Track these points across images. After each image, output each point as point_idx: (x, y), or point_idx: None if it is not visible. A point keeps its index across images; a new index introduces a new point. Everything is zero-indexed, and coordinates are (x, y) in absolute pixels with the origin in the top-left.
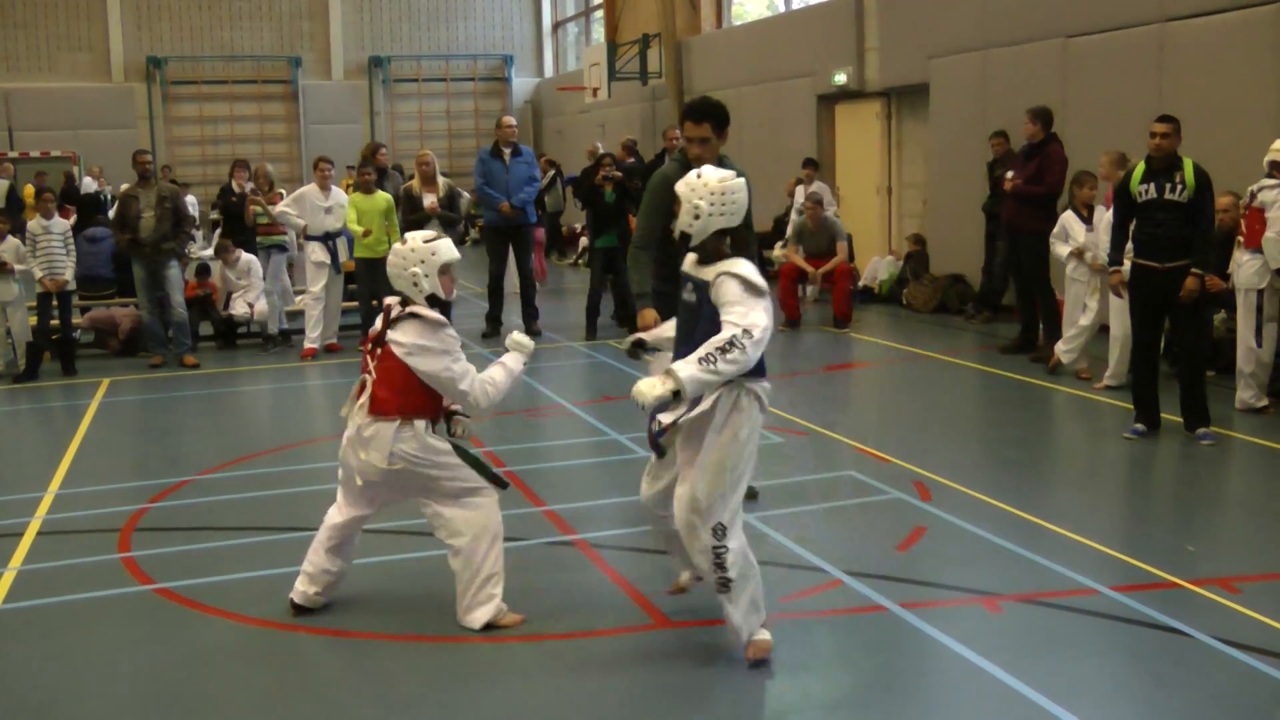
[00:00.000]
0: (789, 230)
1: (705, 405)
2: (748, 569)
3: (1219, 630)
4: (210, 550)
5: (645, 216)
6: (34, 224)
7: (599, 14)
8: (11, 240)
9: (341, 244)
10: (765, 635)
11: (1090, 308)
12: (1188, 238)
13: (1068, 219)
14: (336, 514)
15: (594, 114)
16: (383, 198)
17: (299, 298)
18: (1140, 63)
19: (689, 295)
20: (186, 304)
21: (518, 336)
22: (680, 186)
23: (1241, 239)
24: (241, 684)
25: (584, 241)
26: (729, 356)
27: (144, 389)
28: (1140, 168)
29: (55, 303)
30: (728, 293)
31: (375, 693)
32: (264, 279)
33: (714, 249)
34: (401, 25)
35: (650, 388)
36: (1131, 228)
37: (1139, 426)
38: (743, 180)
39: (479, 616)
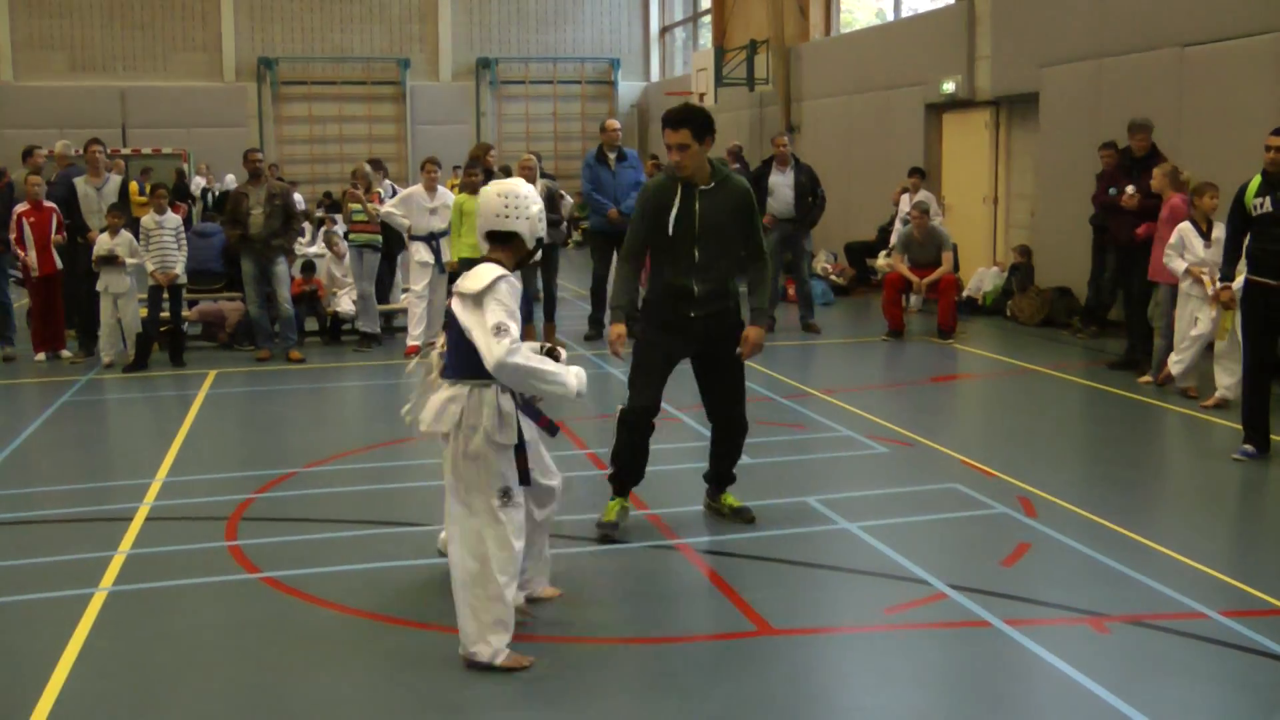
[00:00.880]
0: (894, 239)
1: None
2: None
3: None
4: (315, 541)
5: (631, 227)
6: (147, 219)
7: (707, 19)
8: (125, 234)
9: (445, 244)
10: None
11: (1201, 320)
12: None
13: (1185, 231)
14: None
15: None
16: None
17: (403, 295)
18: (1260, 73)
19: None
20: (293, 300)
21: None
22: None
23: None
24: (343, 673)
25: None
26: None
27: (250, 382)
28: (1255, 181)
29: (165, 295)
30: None
31: (472, 687)
32: (360, 279)
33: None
34: (510, 28)
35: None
36: (1246, 243)
37: (1248, 448)
38: (525, 191)
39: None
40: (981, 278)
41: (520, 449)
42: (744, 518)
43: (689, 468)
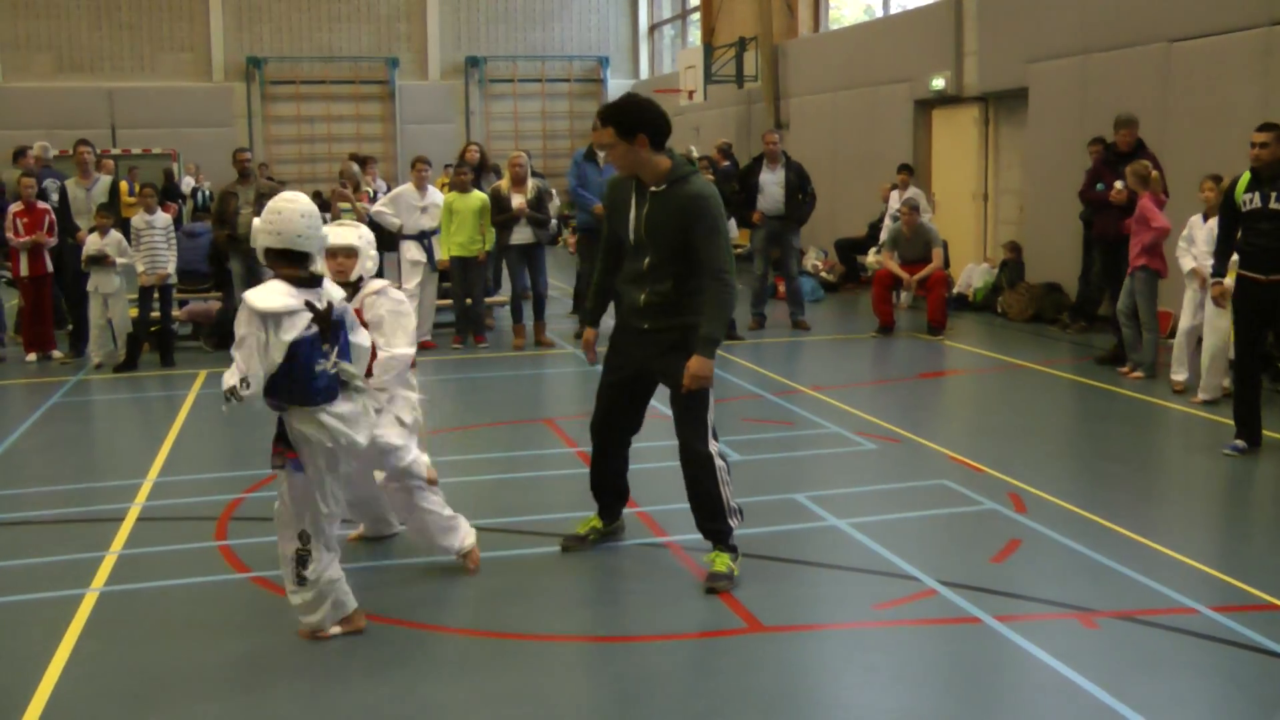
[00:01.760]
0: (883, 236)
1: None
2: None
3: None
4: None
5: (603, 230)
6: (137, 219)
7: (696, 16)
8: (114, 234)
9: (436, 242)
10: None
11: (1188, 315)
12: None
13: (1194, 224)
14: None
15: (689, 117)
16: (478, 197)
17: None
18: (1246, 68)
19: None
20: None
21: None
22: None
23: None
24: (334, 672)
25: None
26: None
27: None
28: (1245, 177)
29: (155, 296)
30: None
31: (462, 685)
32: None
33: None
34: (498, 26)
35: None
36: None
37: (1239, 443)
38: (291, 206)
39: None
40: (971, 274)
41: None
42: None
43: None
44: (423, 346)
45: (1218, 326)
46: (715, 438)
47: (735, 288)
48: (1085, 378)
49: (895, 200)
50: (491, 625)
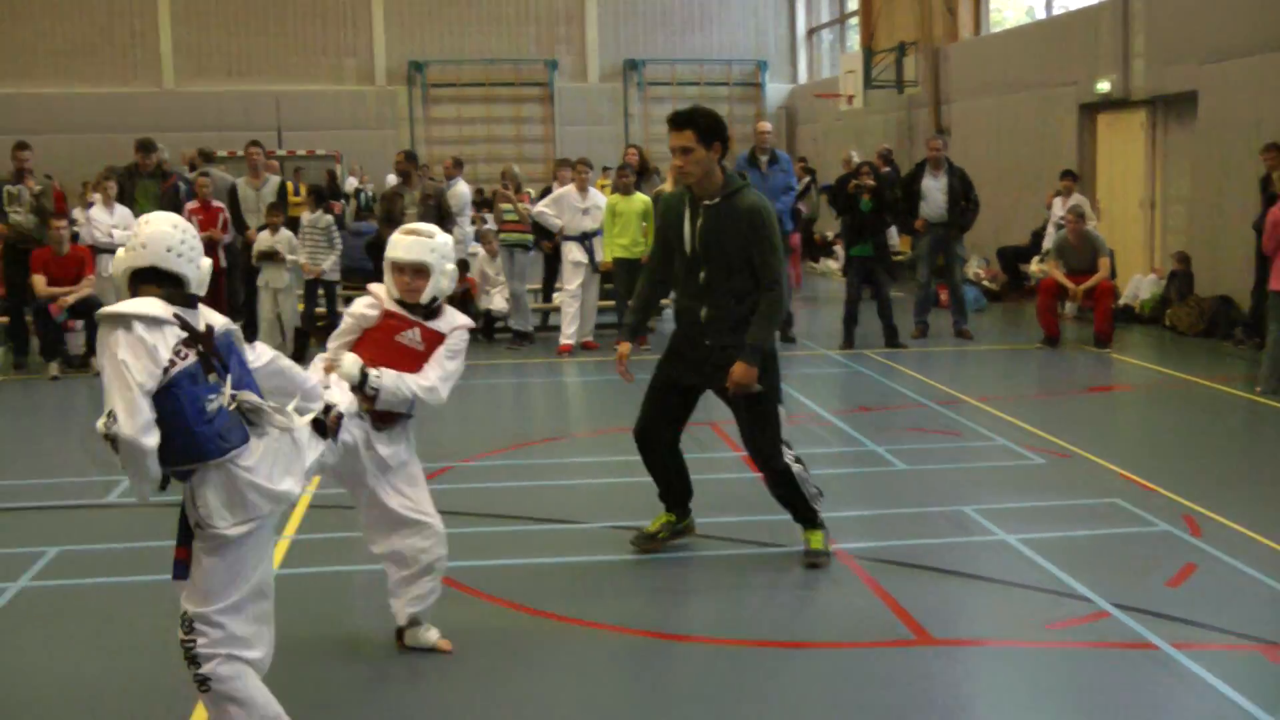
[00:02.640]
0: (1047, 244)
1: None
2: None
3: None
4: (474, 535)
5: (654, 245)
6: (305, 217)
7: (854, 21)
8: (285, 232)
9: (598, 243)
10: None
11: None
12: None
13: None
14: None
15: (849, 121)
16: (641, 200)
17: (555, 295)
18: None
19: None
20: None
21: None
22: None
23: None
24: (512, 668)
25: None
26: None
27: None
28: None
29: (320, 291)
30: None
31: (632, 689)
32: (511, 278)
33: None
34: (656, 30)
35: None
36: None
37: None
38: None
39: None
40: (1138, 285)
41: None
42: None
43: (844, 473)
44: (585, 347)
45: None
46: (789, 445)
47: (785, 298)
48: (1261, 397)
49: (1059, 207)
50: (656, 625)
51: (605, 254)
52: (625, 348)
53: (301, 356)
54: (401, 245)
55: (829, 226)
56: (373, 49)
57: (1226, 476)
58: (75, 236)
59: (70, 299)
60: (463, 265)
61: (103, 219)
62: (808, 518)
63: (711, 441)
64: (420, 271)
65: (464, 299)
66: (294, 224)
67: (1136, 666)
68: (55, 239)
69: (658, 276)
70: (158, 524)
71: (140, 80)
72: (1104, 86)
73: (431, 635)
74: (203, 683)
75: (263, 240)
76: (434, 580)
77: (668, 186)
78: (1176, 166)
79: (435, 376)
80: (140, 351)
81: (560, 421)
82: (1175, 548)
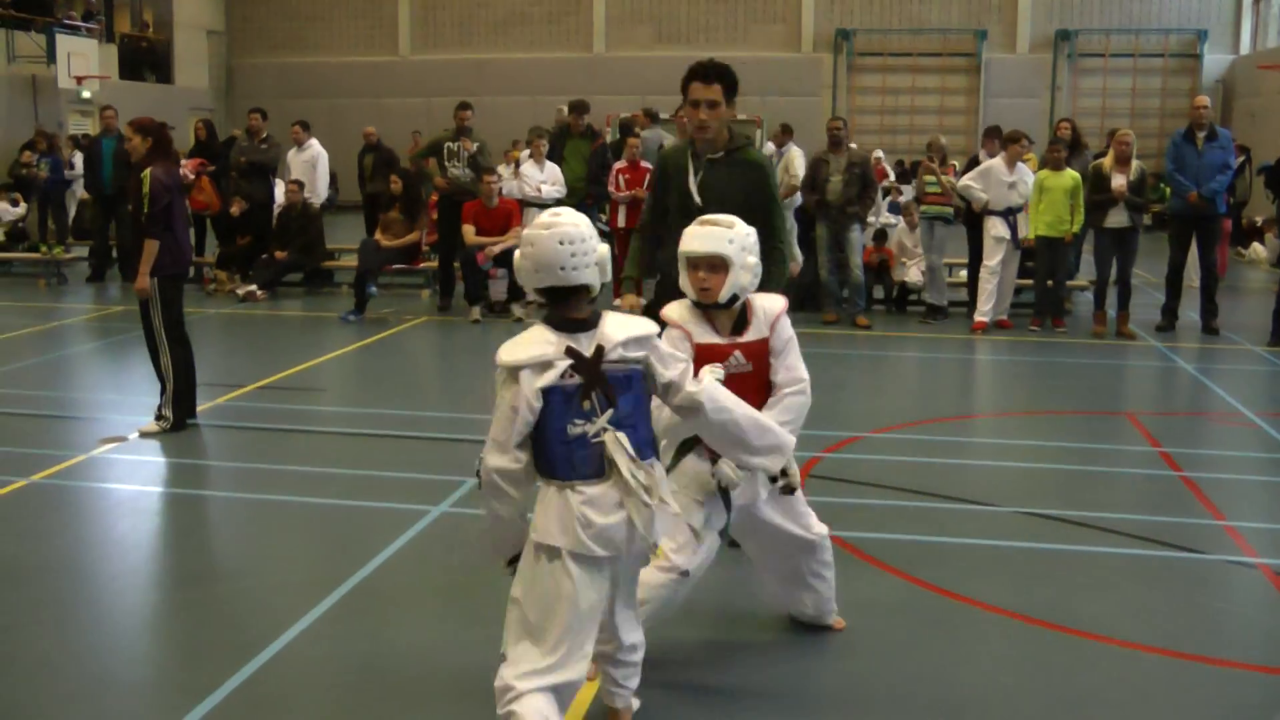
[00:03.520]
0: None
1: None
2: None
3: None
4: (879, 507)
5: (647, 198)
6: None
7: None
8: None
9: (1021, 219)
10: None
11: None
12: None
13: None
14: None
15: None
16: (1070, 176)
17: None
18: None
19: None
20: (864, 267)
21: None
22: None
23: None
24: (914, 642)
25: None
26: None
27: (818, 344)
28: None
29: None
30: None
31: (1034, 680)
32: (929, 250)
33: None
34: None
35: None
36: None
37: None
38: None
39: None
40: None
41: None
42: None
43: (1272, 481)
44: (999, 325)
45: None
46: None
47: (788, 257)
48: None
49: None
50: (1065, 619)
51: (1030, 230)
52: (634, 299)
53: None
54: (696, 237)
55: (1261, 210)
56: (800, 15)
57: None
58: (501, 191)
59: (497, 249)
60: (881, 235)
61: (533, 174)
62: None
63: (1126, 432)
64: (717, 266)
65: (881, 268)
66: None
67: None
68: (487, 193)
69: (655, 232)
70: None
71: (571, 46)
72: None
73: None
74: None
75: None
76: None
77: (1107, 163)
78: None
79: (803, 372)
80: (520, 402)
81: (968, 400)
82: None
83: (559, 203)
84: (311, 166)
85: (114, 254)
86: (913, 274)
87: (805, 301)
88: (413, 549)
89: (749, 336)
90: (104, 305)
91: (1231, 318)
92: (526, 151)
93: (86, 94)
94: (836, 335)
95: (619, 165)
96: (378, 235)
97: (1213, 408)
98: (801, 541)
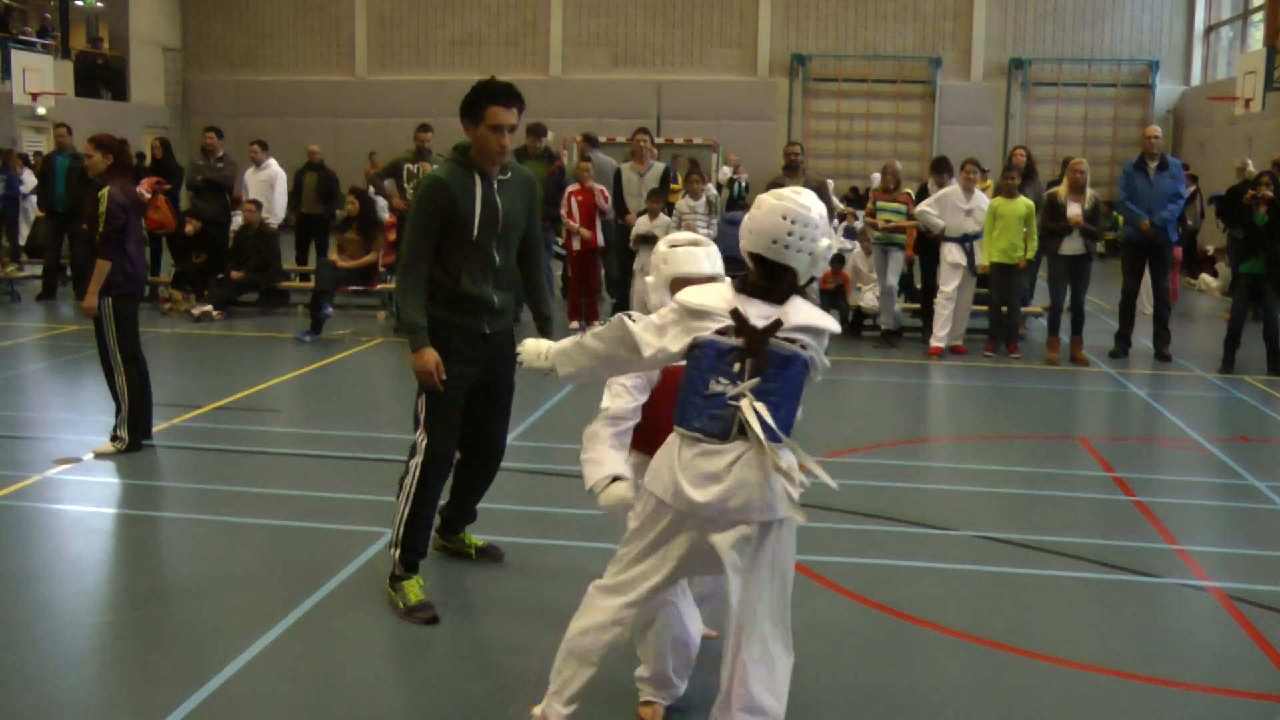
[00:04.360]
0: None
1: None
2: None
3: None
4: (834, 530)
5: (415, 227)
6: (681, 203)
7: (1258, 17)
8: (664, 218)
9: (977, 246)
10: None
11: None
12: None
13: None
14: None
15: (1242, 127)
16: (1024, 203)
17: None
18: None
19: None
20: (820, 292)
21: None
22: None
23: None
24: (868, 664)
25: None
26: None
27: None
28: None
29: None
30: None
31: (988, 701)
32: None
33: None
34: (1045, 26)
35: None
36: None
37: None
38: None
39: None
40: None
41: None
42: (493, 555)
43: (1220, 506)
44: (954, 350)
45: None
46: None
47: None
48: None
49: None
50: (1017, 640)
51: (984, 257)
52: (431, 355)
53: None
54: (680, 259)
55: (1212, 240)
56: (756, 40)
57: None
58: None
59: None
60: (837, 260)
61: None
62: (474, 514)
63: (1079, 457)
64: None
65: (835, 294)
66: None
67: None
68: None
69: (429, 267)
70: None
71: (527, 68)
72: None
73: None
74: None
75: (641, 224)
76: None
77: (1061, 191)
78: None
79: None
80: (657, 330)
81: (924, 424)
82: None
83: None
84: (269, 186)
85: (68, 272)
86: (868, 299)
87: None
88: (367, 570)
89: None
90: (57, 324)
91: (1183, 344)
92: None
93: (42, 110)
94: None
95: (571, 188)
96: (333, 255)
97: (1165, 433)
98: None
